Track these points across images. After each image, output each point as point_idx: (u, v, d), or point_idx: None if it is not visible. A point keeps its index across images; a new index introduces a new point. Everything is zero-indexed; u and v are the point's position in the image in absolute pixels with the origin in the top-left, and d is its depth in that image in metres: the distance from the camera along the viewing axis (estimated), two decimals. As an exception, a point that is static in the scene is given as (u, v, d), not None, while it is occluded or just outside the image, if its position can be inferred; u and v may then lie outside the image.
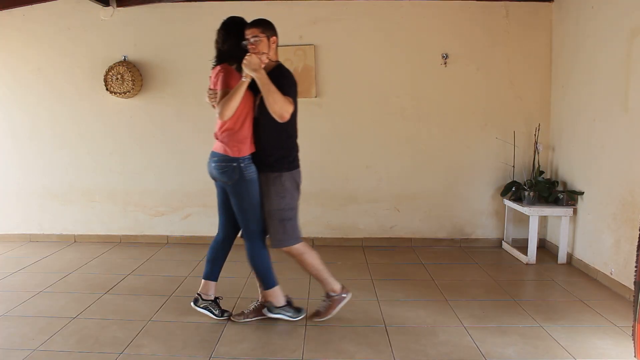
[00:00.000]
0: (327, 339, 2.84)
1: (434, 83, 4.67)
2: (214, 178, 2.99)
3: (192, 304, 3.07)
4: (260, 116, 2.83)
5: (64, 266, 4.20)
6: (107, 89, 4.67)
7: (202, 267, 4.16)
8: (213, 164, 2.90)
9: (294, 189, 2.93)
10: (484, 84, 4.65)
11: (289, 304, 3.06)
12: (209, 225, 4.92)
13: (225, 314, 3.08)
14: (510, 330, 2.93)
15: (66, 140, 4.92)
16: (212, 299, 3.08)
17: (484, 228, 4.83)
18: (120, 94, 4.66)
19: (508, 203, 4.59)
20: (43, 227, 5.06)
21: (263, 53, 2.74)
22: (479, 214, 4.81)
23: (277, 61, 2.91)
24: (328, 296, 3.08)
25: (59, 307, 3.30)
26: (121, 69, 4.62)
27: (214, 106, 2.84)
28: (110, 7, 4.68)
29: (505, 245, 4.71)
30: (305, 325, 3.02)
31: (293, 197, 2.93)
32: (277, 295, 3.01)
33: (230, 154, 2.82)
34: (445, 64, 4.62)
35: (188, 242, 4.93)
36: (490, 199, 4.78)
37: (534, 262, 4.22)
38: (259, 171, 2.89)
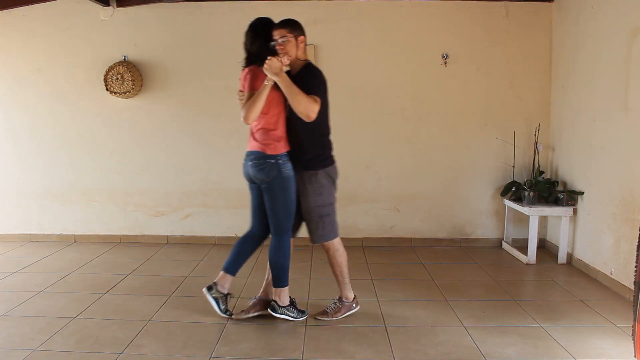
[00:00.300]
0: (327, 339, 2.84)
1: (434, 83, 4.67)
2: (250, 178, 3.02)
3: (204, 289, 3.06)
4: (292, 116, 2.87)
5: (64, 266, 4.20)
6: (107, 89, 4.67)
7: (202, 267, 4.19)
8: (250, 163, 2.94)
9: (330, 185, 3.00)
10: (484, 84, 4.64)
11: (292, 304, 3.08)
12: (209, 225, 4.94)
13: (227, 313, 3.09)
14: (510, 330, 2.93)
15: (66, 140, 4.92)
16: (225, 293, 3.09)
17: (484, 228, 4.83)
18: (120, 94, 4.66)
19: (508, 203, 4.59)
20: (43, 227, 5.06)
21: (285, 54, 2.79)
22: (479, 214, 4.81)
23: (306, 60, 2.96)
24: (340, 300, 3.13)
25: (59, 307, 3.30)
26: (121, 69, 4.61)
27: None
28: (110, 7, 4.67)
29: (505, 245, 4.71)
30: (306, 325, 3.02)
31: (330, 193, 3.00)
32: (284, 295, 3.04)
33: (268, 151, 2.87)
34: (445, 64, 4.62)
35: (188, 242, 4.93)
36: (490, 199, 4.78)
37: (534, 262, 4.22)
38: (295, 170, 2.93)
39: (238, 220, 4.91)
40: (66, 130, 4.90)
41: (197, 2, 4.66)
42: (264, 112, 2.84)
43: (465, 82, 4.65)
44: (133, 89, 4.65)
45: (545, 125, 4.62)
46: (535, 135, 4.55)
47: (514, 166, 4.62)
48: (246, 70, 2.90)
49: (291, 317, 3.04)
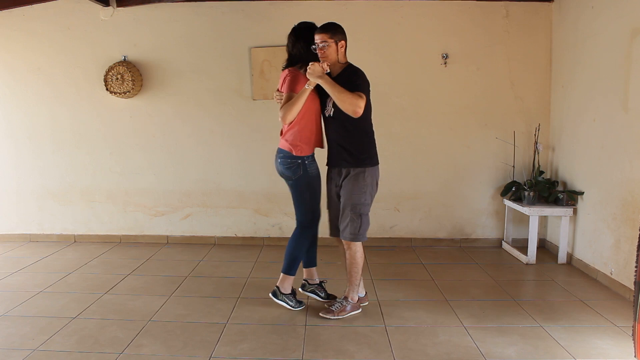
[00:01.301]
0: (327, 339, 2.85)
1: (434, 83, 4.67)
2: (279, 173, 3.14)
3: (300, 289, 3.32)
4: (340, 115, 2.93)
5: (64, 266, 4.20)
6: (107, 89, 4.67)
7: (202, 267, 4.20)
8: (279, 160, 3.08)
9: (374, 185, 3.06)
10: (484, 84, 4.64)
11: (292, 294, 3.21)
12: (208, 225, 4.94)
13: (329, 297, 3.31)
14: (510, 330, 2.93)
15: (66, 140, 4.92)
16: (318, 282, 3.32)
17: (484, 228, 4.83)
18: (120, 94, 4.66)
19: (508, 203, 4.59)
20: (43, 227, 5.06)
21: (325, 59, 2.89)
22: (479, 214, 4.81)
23: (347, 62, 3.03)
24: (345, 299, 3.15)
25: (59, 307, 3.30)
26: (121, 69, 4.62)
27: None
28: (110, 7, 4.68)
29: (505, 245, 4.71)
30: (305, 325, 3.02)
31: (372, 193, 3.06)
32: (288, 284, 3.18)
33: (295, 152, 3.00)
34: (445, 64, 4.62)
35: (188, 242, 4.93)
36: (490, 199, 4.78)
37: (534, 262, 4.22)
38: (341, 167, 3.04)
39: (237, 220, 4.92)
40: (66, 130, 4.91)
41: (197, 2, 4.66)
42: None
43: (465, 82, 4.65)
44: (133, 89, 4.65)
45: (545, 125, 4.62)
46: (535, 135, 4.55)
47: (514, 166, 4.62)
48: (286, 71, 3.00)
49: (290, 305, 3.17)
